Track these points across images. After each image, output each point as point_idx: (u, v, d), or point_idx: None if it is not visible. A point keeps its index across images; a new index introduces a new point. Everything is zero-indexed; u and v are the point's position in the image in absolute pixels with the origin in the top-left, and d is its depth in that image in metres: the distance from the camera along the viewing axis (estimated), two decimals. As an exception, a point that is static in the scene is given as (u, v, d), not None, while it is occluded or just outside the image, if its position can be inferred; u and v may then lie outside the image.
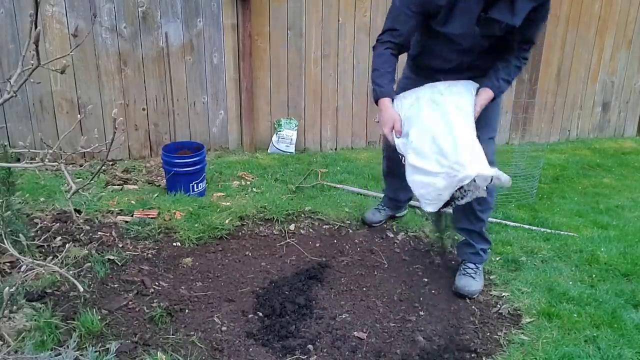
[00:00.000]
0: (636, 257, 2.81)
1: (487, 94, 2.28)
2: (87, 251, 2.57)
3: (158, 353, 1.94)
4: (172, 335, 2.09)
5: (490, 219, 3.15)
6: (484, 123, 2.37)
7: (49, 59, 1.54)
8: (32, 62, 1.41)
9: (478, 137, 2.22)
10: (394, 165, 2.67)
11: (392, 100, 2.33)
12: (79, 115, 2.50)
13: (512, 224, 3.17)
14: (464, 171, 1.99)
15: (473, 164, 1.99)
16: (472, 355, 2.09)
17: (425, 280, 2.61)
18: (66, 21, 3.50)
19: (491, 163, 2.15)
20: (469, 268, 2.54)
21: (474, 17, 2.14)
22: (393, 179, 2.94)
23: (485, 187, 2.02)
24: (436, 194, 2.09)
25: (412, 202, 3.29)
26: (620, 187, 3.98)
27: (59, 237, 2.67)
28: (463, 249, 2.61)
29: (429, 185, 2.09)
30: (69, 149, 1.80)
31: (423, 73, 2.51)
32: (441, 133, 2.11)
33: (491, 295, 2.51)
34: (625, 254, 2.85)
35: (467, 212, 2.49)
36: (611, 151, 4.80)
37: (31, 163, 1.50)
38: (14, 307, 2.02)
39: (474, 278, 2.51)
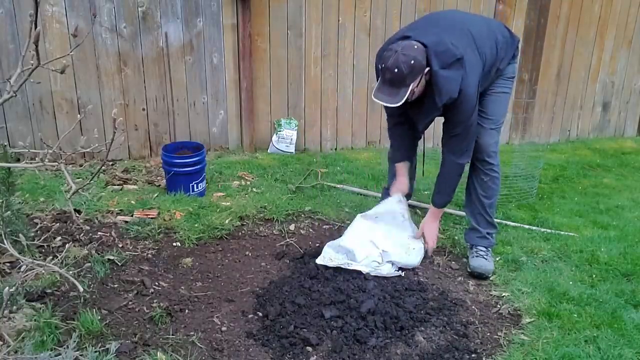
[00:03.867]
0: (636, 257, 2.81)
1: (432, 214, 2.73)
2: (87, 251, 2.57)
3: (158, 353, 1.94)
4: (172, 335, 2.09)
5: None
6: (487, 115, 2.63)
7: (49, 59, 1.54)
8: (32, 62, 1.41)
9: (481, 125, 2.60)
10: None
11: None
12: (78, 115, 2.50)
13: (512, 224, 3.17)
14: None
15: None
16: (472, 355, 2.09)
17: (425, 280, 2.61)
18: (66, 21, 3.50)
19: (493, 153, 2.65)
20: (481, 250, 2.71)
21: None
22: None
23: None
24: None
25: (411, 202, 3.29)
26: (620, 187, 3.98)
27: (59, 237, 2.67)
28: (470, 235, 2.79)
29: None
30: (69, 149, 1.80)
31: None
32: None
33: (491, 295, 2.51)
34: (625, 254, 2.85)
35: (472, 197, 2.74)
36: (611, 151, 4.80)
37: (31, 163, 1.51)
38: (14, 307, 2.02)
39: (486, 259, 2.67)
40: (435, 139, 4.62)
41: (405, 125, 2.74)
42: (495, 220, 3.00)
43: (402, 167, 2.85)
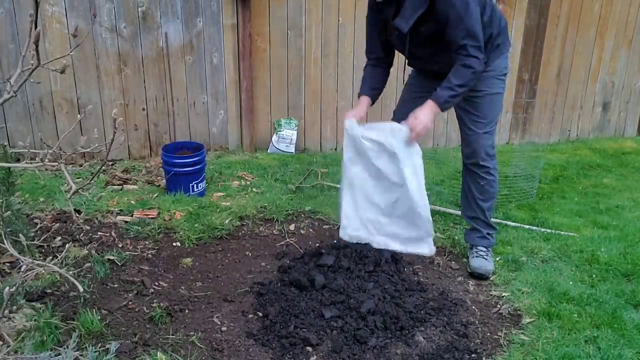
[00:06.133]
0: (636, 257, 2.81)
1: (428, 104, 2.35)
2: (87, 251, 2.57)
3: (158, 353, 1.94)
4: (172, 335, 2.09)
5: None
6: (480, 117, 2.55)
7: (49, 59, 1.54)
8: (32, 62, 1.41)
9: (473, 130, 2.56)
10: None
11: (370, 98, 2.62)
12: (78, 115, 2.50)
13: (512, 224, 3.17)
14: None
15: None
16: (472, 355, 2.09)
17: (425, 280, 2.61)
18: (66, 21, 3.50)
19: (488, 156, 2.58)
20: (481, 251, 2.71)
21: (390, 26, 2.42)
22: None
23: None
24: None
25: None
26: (620, 187, 3.98)
27: (59, 237, 2.67)
28: (471, 235, 2.78)
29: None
30: (69, 149, 1.80)
31: (414, 67, 2.74)
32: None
33: (491, 295, 2.51)
34: (626, 254, 2.85)
35: (469, 201, 2.71)
36: (611, 151, 4.80)
37: (31, 163, 1.51)
38: (14, 307, 2.02)
39: (486, 259, 2.67)
40: (435, 139, 4.62)
41: (381, 66, 2.62)
42: (495, 220, 3.01)
43: (364, 100, 2.60)
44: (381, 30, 2.53)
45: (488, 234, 2.73)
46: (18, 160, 2.62)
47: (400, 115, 2.81)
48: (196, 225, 2.90)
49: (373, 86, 2.64)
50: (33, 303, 2.14)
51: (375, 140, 2.34)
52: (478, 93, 2.55)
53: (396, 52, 2.65)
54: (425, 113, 2.32)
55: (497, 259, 2.77)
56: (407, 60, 2.66)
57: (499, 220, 3.17)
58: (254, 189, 3.45)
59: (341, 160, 2.49)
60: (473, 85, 2.39)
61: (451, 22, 2.25)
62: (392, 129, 2.33)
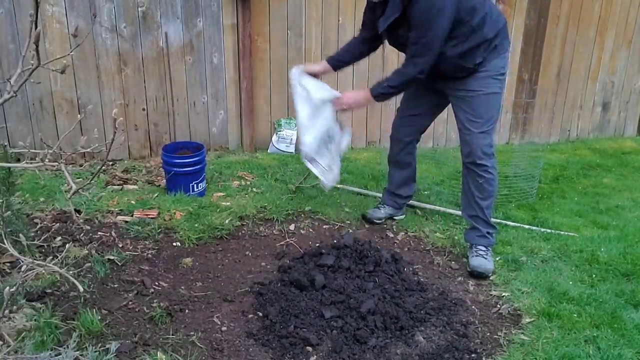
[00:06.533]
0: (636, 257, 2.81)
1: (364, 90, 2.71)
2: (87, 251, 2.57)
3: (158, 353, 1.95)
4: (172, 335, 2.09)
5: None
6: (475, 117, 2.59)
7: (49, 59, 1.54)
8: (32, 62, 1.41)
9: (469, 129, 2.59)
10: (397, 149, 3.00)
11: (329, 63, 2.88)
12: (79, 115, 2.50)
13: (512, 224, 3.17)
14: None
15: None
16: (472, 355, 2.09)
17: (425, 280, 2.61)
18: (66, 21, 3.50)
19: (486, 155, 2.60)
20: (480, 250, 2.71)
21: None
22: (396, 170, 3.08)
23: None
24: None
25: (411, 202, 3.29)
26: (620, 187, 3.98)
27: (59, 237, 2.67)
28: (470, 234, 2.78)
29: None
30: (69, 149, 1.80)
31: None
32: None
33: (491, 295, 2.51)
34: (625, 254, 2.85)
35: (469, 199, 2.73)
36: (611, 151, 4.80)
37: (31, 163, 1.51)
38: (14, 307, 2.02)
39: (485, 258, 2.67)
40: (435, 140, 4.62)
41: (364, 44, 2.81)
42: (495, 220, 3.01)
43: (323, 64, 2.88)
44: (374, 24, 2.63)
45: (488, 232, 2.73)
46: (18, 160, 2.62)
47: (404, 109, 2.97)
48: (196, 225, 2.90)
49: (341, 58, 2.89)
50: (33, 303, 2.14)
51: (307, 88, 2.80)
52: (474, 93, 2.57)
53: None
54: (357, 95, 2.78)
55: (497, 259, 2.77)
56: None
57: (498, 220, 3.18)
58: (254, 189, 3.45)
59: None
60: (407, 88, 2.72)
61: (415, 26, 2.41)
62: (324, 89, 2.82)
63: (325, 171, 2.86)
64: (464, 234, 2.86)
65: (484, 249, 2.71)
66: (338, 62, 2.88)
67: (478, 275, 2.63)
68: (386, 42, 2.73)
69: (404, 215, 3.20)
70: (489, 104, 2.60)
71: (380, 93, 2.62)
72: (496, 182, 2.72)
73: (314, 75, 2.85)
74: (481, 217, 2.72)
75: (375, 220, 3.10)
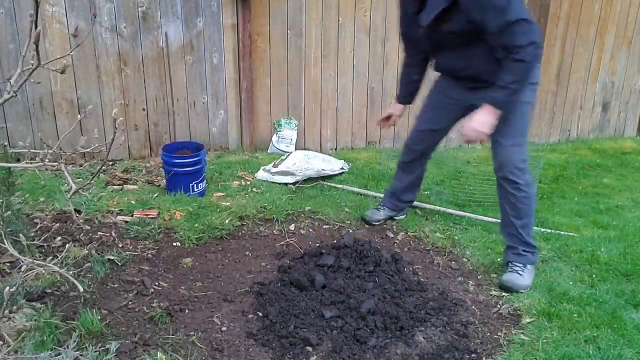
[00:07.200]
0: (636, 257, 2.81)
1: (484, 107, 2.33)
2: (87, 251, 2.57)
3: (158, 353, 1.95)
4: (172, 335, 2.09)
5: (489, 219, 3.15)
6: (505, 129, 2.43)
7: (49, 59, 1.54)
8: (32, 62, 1.41)
9: (500, 142, 2.46)
10: (410, 158, 2.97)
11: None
12: (79, 115, 2.50)
13: (512, 224, 3.17)
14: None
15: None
16: (472, 355, 2.09)
17: (425, 280, 2.61)
18: (66, 21, 3.50)
19: (518, 170, 2.48)
20: (516, 266, 2.56)
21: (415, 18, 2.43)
22: (404, 174, 3.05)
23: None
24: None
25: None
26: (620, 187, 3.98)
27: (59, 237, 2.67)
28: (507, 252, 2.65)
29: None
30: (69, 149, 1.80)
31: (441, 72, 2.72)
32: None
33: (491, 295, 2.51)
34: (625, 254, 2.85)
35: (504, 218, 2.62)
36: (611, 151, 4.80)
37: (31, 163, 1.51)
38: (14, 307, 2.02)
39: (521, 275, 2.53)
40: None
41: (414, 64, 2.76)
42: (494, 220, 3.00)
43: (396, 107, 2.92)
44: (409, 26, 2.53)
45: (524, 250, 2.57)
46: (18, 160, 2.62)
47: (423, 121, 2.85)
48: (196, 225, 2.90)
49: (406, 93, 2.87)
50: (33, 303, 2.14)
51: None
52: None
53: None
54: (484, 119, 2.30)
55: (497, 259, 2.77)
56: (434, 65, 2.65)
57: (497, 220, 3.17)
58: (254, 189, 3.45)
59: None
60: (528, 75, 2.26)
61: (480, 7, 2.14)
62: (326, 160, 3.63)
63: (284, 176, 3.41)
64: (504, 253, 2.69)
65: (520, 265, 2.56)
66: (406, 97, 2.89)
67: (507, 290, 2.51)
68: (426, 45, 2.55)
69: (404, 216, 3.20)
70: (522, 114, 2.45)
71: (506, 95, 2.27)
72: (532, 200, 2.53)
73: (392, 117, 2.93)
74: (517, 236, 2.56)
75: (373, 222, 3.10)
